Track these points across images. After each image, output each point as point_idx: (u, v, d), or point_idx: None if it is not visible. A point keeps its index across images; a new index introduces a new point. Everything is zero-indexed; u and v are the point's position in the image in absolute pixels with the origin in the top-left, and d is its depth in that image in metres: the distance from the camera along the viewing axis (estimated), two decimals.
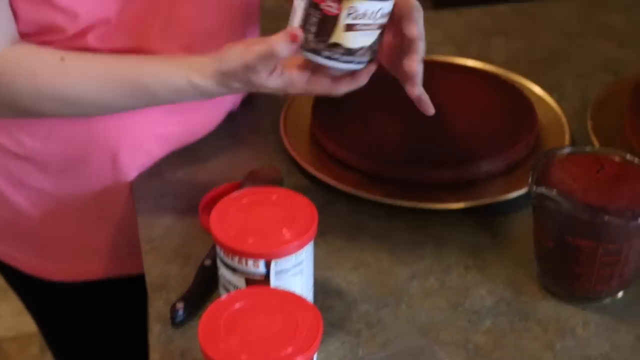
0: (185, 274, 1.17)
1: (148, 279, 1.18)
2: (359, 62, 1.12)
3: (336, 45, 1.10)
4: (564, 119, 1.41)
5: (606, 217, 1.07)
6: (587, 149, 1.22)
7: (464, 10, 1.78)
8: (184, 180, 1.34)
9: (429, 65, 1.48)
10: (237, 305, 0.96)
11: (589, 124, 1.39)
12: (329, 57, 1.11)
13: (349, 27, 1.08)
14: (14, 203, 1.38)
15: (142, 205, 1.29)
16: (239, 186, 1.28)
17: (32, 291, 1.51)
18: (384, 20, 1.11)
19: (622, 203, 1.08)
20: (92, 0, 1.21)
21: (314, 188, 1.30)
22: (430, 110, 1.17)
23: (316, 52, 1.10)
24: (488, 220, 1.24)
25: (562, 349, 1.09)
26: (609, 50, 1.65)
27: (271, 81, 1.14)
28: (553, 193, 1.08)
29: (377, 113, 1.38)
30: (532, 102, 1.41)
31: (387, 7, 1.10)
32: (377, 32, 1.11)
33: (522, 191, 1.26)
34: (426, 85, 1.43)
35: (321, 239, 1.21)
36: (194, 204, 1.28)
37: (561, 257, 1.12)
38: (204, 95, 1.19)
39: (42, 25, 1.22)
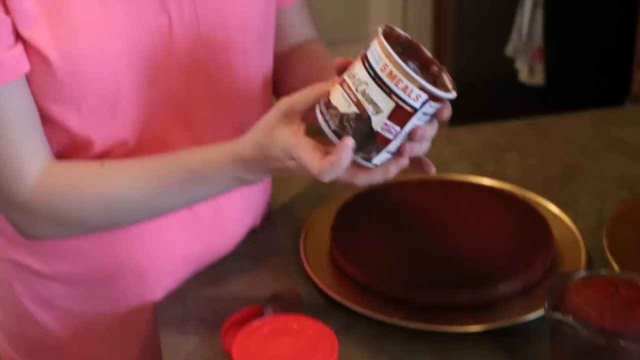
0: None
1: None
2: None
3: (330, 104, 1.12)
4: (579, 237, 1.43)
5: (622, 343, 1.08)
6: (602, 272, 1.23)
7: (479, 126, 1.82)
8: (206, 304, 1.35)
9: (445, 185, 1.52)
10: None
11: (605, 242, 1.40)
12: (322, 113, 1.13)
13: (340, 83, 1.11)
14: (41, 322, 1.41)
15: (165, 330, 1.30)
16: (260, 310, 1.30)
17: None
18: (368, 105, 1.08)
19: (637, 327, 1.10)
20: (107, 126, 1.24)
21: (334, 310, 1.32)
22: (432, 169, 1.17)
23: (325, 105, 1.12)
24: (507, 342, 1.24)
25: None
26: (623, 165, 1.68)
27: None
28: (569, 319, 1.10)
29: (395, 235, 1.41)
30: (548, 221, 1.43)
31: (375, 92, 1.08)
32: (353, 108, 1.09)
33: (539, 312, 1.27)
34: (443, 204, 1.47)
35: None
36: (217, 328, 1.29)
37: None
38: (248, 183, 1.22)
39: (64, 147, 1.26)
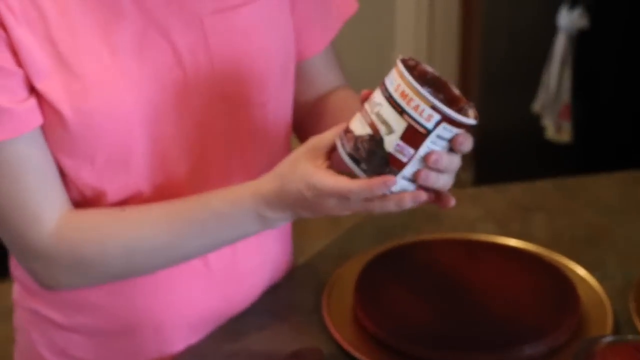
0: None
1: None
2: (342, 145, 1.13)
3: (349, 131, 1.12)
4: (606, 300, 1.41)
5: None
6: (629, 337, 1.22)
7: (504, 186, 1.81)
8: None
9: (470, 245, 1.52)
10: None
11: (632, 305, 1.39)
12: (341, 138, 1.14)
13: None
14: None
15: None
16: None
17: None
18: (381, 127, 1.09)
19: None
20: (121, 178, 1.24)
21: None
22: (451, 202, 1.15)
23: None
24: None
25: None
26: None
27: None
28: None
29: (419, 295, 1.40)
30: (574, 283, 1.42)
31: (385, 111, 1.09)
32: (367, 129, 1.10)
33: None
34: (468, 265, 1.46)
35: None
36: None
37: None
38: (269, 223, 1.20)
39: (78, 200, 1.26)
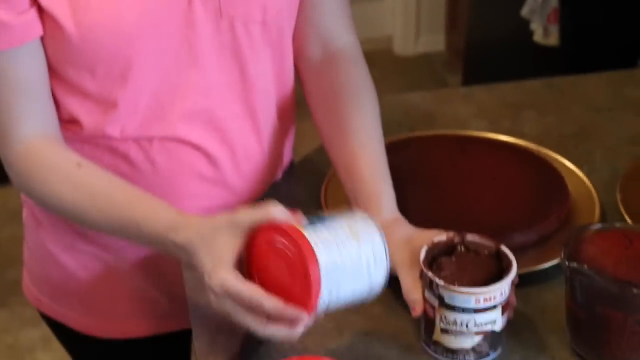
0: (232, 341, 1.22)
1: (196, 344, 1.23)
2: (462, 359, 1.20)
3: (437, 342, 1.19)
4: (594, 192, 1.47)
5: (635, 291, 1.12)
6: (617, 225, 1.27)
7: (495, 85, 1.85)
8: None
9: (463, 140, 1.55)
10: None
11: (618, 196, 1.44)
12: (434, 351, 1.21)
13: (444, 331, 1.18)
14: (65, 265, 1.45)
15: (189, 273, 1.33)
16: None
17: (80, 346, 1.57)
18: (486, 328, 1.17)
19: None
20: (121, 90, 1.27)
21: None
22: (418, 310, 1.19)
23: (426, 343, 1.21)
24: (521, 289, 1.28)
25: None
26: (637, 124, 1.70)
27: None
28: (584, 268, 1.13)
29: (413, 188, 1.44)
30: (563, 176, 1.47)
31: (481, 318, 1.16)
32: (478, 337, 1.18)
33: (554, 262, 1.31)
34: (461, 159, 1.50)
35: (361, 306, 1.27)
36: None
37: (592, 326, 1.17)
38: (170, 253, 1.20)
39: (85, 108, 1.29)
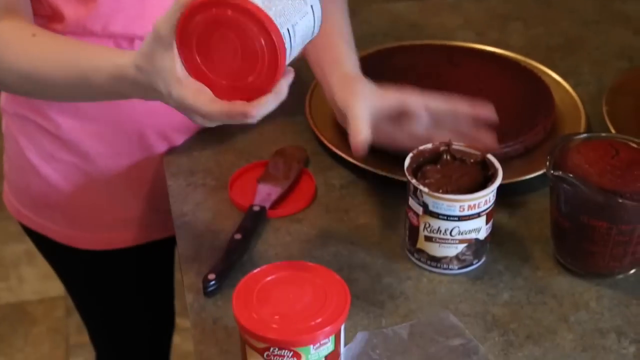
0: (216, 247, 1.22)
1: (180, 250, 1.23)
2: (445, 269, 1.20)
3: (421, 250, 1.19)
4: (580, 104, 1.46)
5: (620, 200, 1.12)
6: (603, 135, 1.26)
7: None
8: (212, 159, 1.39)
9: (449, 50, 1.54)
10: (270, 278, 1.02)
11: (605, 109, 1.43)
12: (418, 259, 1.21)
13: (428, 238, 1.17)
14: (45, 176, 1.44)
15: (173, 182, 1.34)
16: (266, 164, 1.33)
17: (63, 258, 1.57)
18: (470, 236, 1.17)
19: (635, 187, 1.13)
20: None
21: (338, 167, 1.36)
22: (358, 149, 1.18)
23: (410, 251, 1.21)
24: (506, 199, 1.28)
25: (576, 322, 1.14)
26: (625, 38, 1.70)
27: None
28: (569, 177, 1.13)
29: None
30: (550, 87, 1.46)
31: (466, 226, 1.16)
32: (462, 245, 1.18)
33: (539, 172, 1.31)
34: (448, 69, 1.49)
35: (346, 215, 1.27)
36: (224, 181, 1.33)
37: (576, 236, 1.17)
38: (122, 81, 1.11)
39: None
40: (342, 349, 1.02)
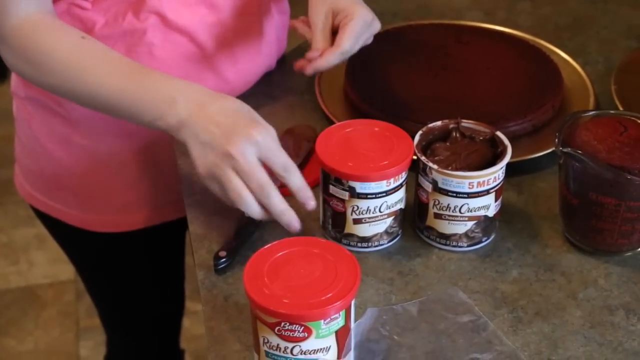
0: (227, 225, 1.22)
1: (191, 229, 1.24)
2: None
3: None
4: (588, 83, 1.46)
5: (629, 177, 1.12)
6: (612, 112, 1.26)
7: None
8: None
9: (458, 29, 1.54)
10: (280, 253, 1.02)
11: (613, 88, 1.44)
12: (427, 237, 1.21)
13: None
14: (58, 159, 1.44)
15: (183, 161, 1.34)
16: None
17: (75, 241, 1.58)
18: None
19: None
20: None
21: None
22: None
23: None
24: (514, 178, 1.29)
25: (584, 299, 1.14)
26: (633, 17, 1.69)
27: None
28: (578, 153, 1.13)
29: (409, 75, 1.43)
30: (558, 66, 1.46)
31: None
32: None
33: (547, 150, 1.31)
34: (456, 48, 1.49)
35: None
36: None
37: (585, 213, 1.17)
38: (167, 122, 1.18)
39: None
40: (353, 324, 1.02)
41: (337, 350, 1.01)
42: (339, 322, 0.99)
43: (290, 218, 1.14)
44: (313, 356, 0.99)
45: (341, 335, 1.00)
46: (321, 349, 0.99)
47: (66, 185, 1.47)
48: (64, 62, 1.22)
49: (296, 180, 1.14)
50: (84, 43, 1.23)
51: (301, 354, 0.99)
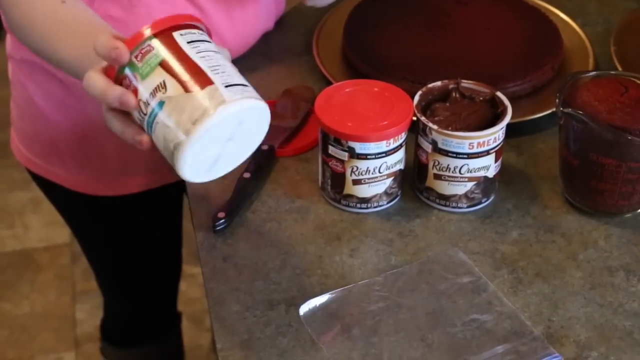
0: (225, 186, 1.22)
1: (190, 191, 1.23)
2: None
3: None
4: (587, 44, 1.45)
5: (629, 137, 1.12)
6: (612, 72, 1.26)
7: None
8: None
9: None
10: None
11: (612, 49, 1.43)
12: (427, 198, 1.20)
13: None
14: (54, 122, 1.43)
15: None
16: (274, 104, 1.33)
17: (73, 205, 1.57)
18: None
19: None
20: None
21: None
22: None
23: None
24: (514, 139, 1.28)
25: (584, 260, 1.14)
26: None
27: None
28: (579, 114, 1.13)
29: (407, 36, 1.42)
30: (557, 26, 1.45)
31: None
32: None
33: (547, 112, 1.31)
34: (455, 9, 1.48)
35: None
36: None
37: (585, 174, 1.17)
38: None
39: None
40: (194, 52, 0.98)
41: (178, 83, 0.96)
42: (157, 54, 0.97)
43: (115, 94, 0.99)
44: (156, 101, 0.96)
45: (172, 67, 0.96)
46: (156, 87, 0.96)
47: (63, 148, 1.46)
48: (37, 26, 1.19)
49: (99, 39, 1.00)
50: (59, 10, 1.19)
51: (147, 106, 0.97)
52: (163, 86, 0.96)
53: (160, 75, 0.96)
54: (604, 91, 1.18)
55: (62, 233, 2.67)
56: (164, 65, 0.96)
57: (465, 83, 1.21)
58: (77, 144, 1.44)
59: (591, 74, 1.23)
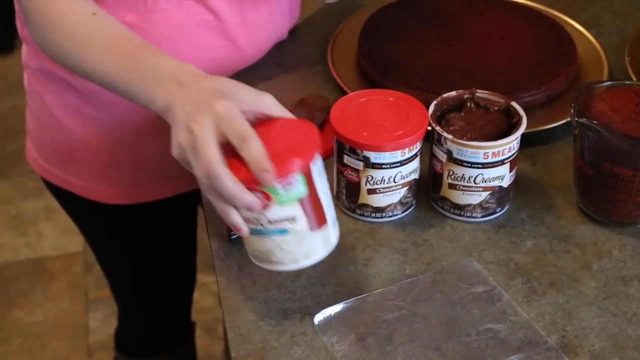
0: None
1: (205, 199, 1.23)
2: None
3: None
4: (602, 54, 1.45)
5: None
6: (627, 82, 1.26)
7: None
8: None
9: (472, 0, 1.53)
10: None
11: (627, 59, 1.43)
12: (441, 207, 1.21)
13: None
14: (70, 131, 1.43)
15: None
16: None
17: (88, 214, 1.58)
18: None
19: None
20: None
21: None
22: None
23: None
24: (529, 149, 1.28)
25: (599, 270, 1.14)
26: None
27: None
28: (594, 124, 1.13)
29: (422, 45, 1.42)
30: (572, 36, 1.45)
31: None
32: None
33: (561, 121, 1.31)
34: (470, 19, 1.48)
35: None
36: None
37: (600, 184, 1.17)
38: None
39: None
40: (324, 196, 1.04)
41: (307, 221, 1.03)
42: (298, 189, 1.01)
43: (245, 202, 1.01)
44: (280, 226, 1.02)
45: (306, 205, 1.02)
46: (287, 217, 1.02)
47: (79, 157, 1.46)
48: (67, 38, 1.20)
49: (253, 149, 1.00)
50: (90, 22, 1.20)
51: (269, 223, 1.02)
52: (293, 220, 1.02)
53: (294, 208, 1.02)
54: (618, 101, 1.18)
55: (75, 241, 2.68)
56: (301, 201, 1.02)
57: (480, 93, 1.21)
58: (94, 153, 1.45)
59: (606, 84, 1.23)
